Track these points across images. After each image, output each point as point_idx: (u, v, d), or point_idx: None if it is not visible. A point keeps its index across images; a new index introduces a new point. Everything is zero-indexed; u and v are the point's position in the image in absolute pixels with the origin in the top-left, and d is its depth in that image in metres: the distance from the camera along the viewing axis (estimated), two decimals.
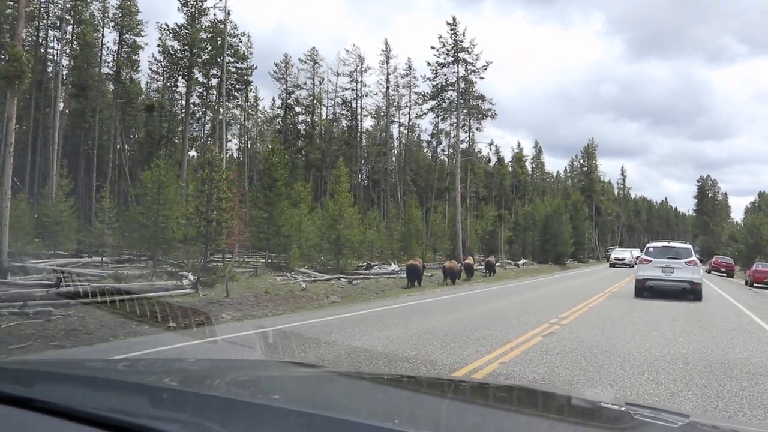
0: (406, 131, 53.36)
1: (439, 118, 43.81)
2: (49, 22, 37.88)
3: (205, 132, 41.30)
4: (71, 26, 37.80)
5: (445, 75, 41.38)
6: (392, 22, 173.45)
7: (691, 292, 16.28)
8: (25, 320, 9.62)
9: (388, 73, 50.09)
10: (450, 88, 41.10)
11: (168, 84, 42.75)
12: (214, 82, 38.13)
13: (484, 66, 40.65)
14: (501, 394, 2.07)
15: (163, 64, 41.35)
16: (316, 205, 35.58)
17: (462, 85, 41.22)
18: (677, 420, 1.59)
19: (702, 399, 5.26)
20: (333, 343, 7.73)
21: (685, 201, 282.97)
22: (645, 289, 16.87)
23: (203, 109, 40.18)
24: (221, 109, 34.29)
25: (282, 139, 50.93)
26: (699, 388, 5.65)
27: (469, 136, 43.07)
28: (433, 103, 42.63)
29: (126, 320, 10.15)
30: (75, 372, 1.90)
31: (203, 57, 35.09)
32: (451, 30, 41.14)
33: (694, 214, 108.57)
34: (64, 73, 38.28)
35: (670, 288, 16.62)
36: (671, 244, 18.47)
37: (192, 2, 36.07)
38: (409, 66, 51.38)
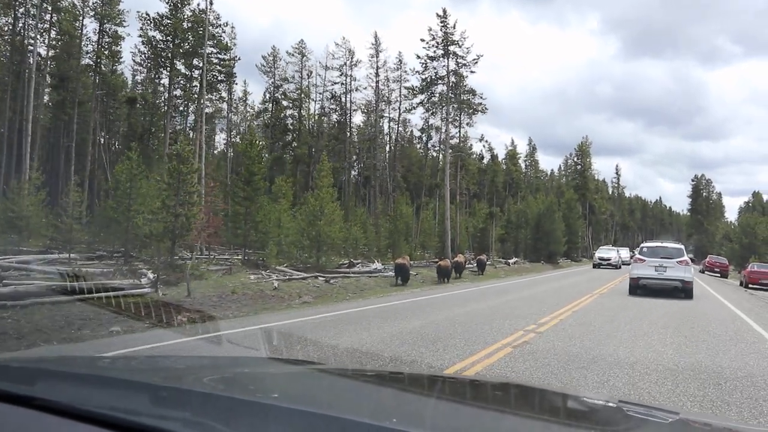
0: (397, 126, 52.23)
1: (429, 113, 42.78)
2: (26, 10, 36.60)
3: (188, 125, 40.06)
4: (49, 14, 36.59)
5: (434, 68, 40.35)
6: (390, 22, 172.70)
7: (682, 291, 16.77)
8: None
9: (377, 67, 48.96)
10: (440, 81, 40.02)
11: (151, 76, 41.46)
12: (196, 73, 36.96)
13: (474, 59, 39.60)
14: (497, 392, 2.10)
15: (146, 55, 40.10)
16: (301, 200, 34.52)
17: (452, 79, 40.18)
18: (668, 417, 1.66)
19: None
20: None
21: (679, 200, 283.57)
22: (639, 287, 17.36)
23: (186, 102, 38.92)
24: (201, 101, 33.02)
25: (269, 134, 49.83)
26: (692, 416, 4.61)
27: (459, 131, 41.99)
28: (422, 97, 41.54)
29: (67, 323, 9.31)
30: (76, 370, 1.88)
31: (184, 47, 33.83)
32: (441, 23, 40.06)
33: (689, 214, 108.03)
34: (43, 63, 37.12)
35: (663, 286, 17.04)
36: (664, 244, 18.84)
37: None
38: (400, 60, 50.29)
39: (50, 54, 38.74)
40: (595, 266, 43.16)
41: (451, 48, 39.75)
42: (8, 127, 36.15)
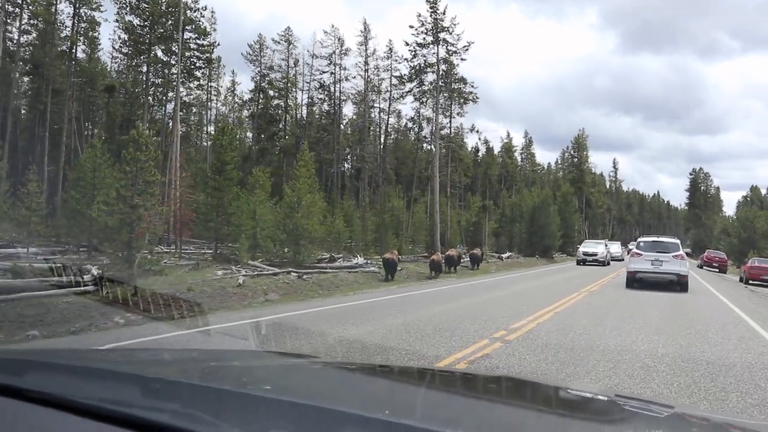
0: (387, 117, 50.63)
1: (420, 102, 41.24)
2: None
3: (166, 114, 38.38)
4: None
5: (424, 56, 38.80)
6: (385, 14, 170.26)
7: (678, 284, 17.17)
8: None
9: (367, 55, 47.34)
10: (429, 69, 38.49)
11: (131, 63, 39.82)
12: (175, 60, 35.40)
13: (465, 46, 38.06)
14: (490, 385, 2.08)
15: (125, 42, 38.47)
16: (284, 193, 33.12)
17: (442, 67, 38.65)
18: (663, 411, 1.62)
19: None
20: None
21: (677, 195, 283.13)
22: (636, 281, 17.76)
23: (164, 90, 37.31)
24: (177, 86, 31.43)
25: (255, 125, 48.35)
26: None
27: (450, 121, 40.43)
28: (411, 85, 40.00)
29: None
30: (67, 362, 1.86)
31: (159, 31, 32.22)
32: (431, 8, 38.43)
33: (686, 208, 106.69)
34: (15, 49, 35.54)
35: (659, 280, 17.36)
36: (661, 238, 19.26)
37: None
38: (390, 49, 48.49)
39: (23, 40, 37.11)
40: (579, 263, 36.01)
41: (441, 35, 38.22)
42: None
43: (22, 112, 42.64)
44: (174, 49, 34.33)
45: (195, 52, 35.36)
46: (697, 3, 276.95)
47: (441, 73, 38.63)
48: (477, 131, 71.95)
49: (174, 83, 36.21)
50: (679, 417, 1.63)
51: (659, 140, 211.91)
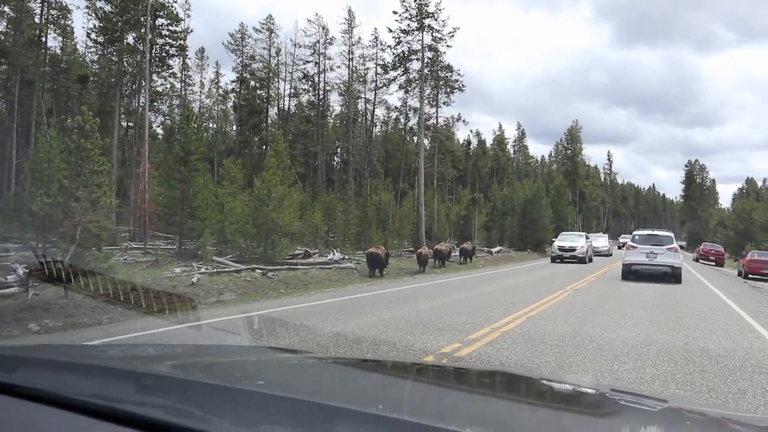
0: (373, 107, 48.99)
1: (405, 91, 39.60)
2: None
3: (140, 104, 36.68)
4: None
5: (409, 43, 37.18)
6: (383, 9, 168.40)
7: (671, 275, 17.78)
8: None
9: (351, 44, 45.68)
10: (413, 56, 36.89)
11: (104, 52, 38.07)
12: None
13: (451, 32, 36.45)
14: (484, 379, 2.07)
15: (96, 29, 36.76)
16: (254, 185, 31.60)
17: (428, 54, 37.08)
18: (657, 405, 1.63)
19: None
20: None
21: (673, 188, 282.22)
22: (631, 273, 18.35)
23: (136, 79, 35.62)
24: (147, 72, 29.76)
25: (237, 117, 46.73)
26: None
27: (436, 111, 38.79)
28: (395, 73, 38.40)
29: None
30: (58, 358, 1.83)
31: (128, 16, 30.52)
32: None
33: (682, 201, 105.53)
34: None
35: (653, 272, 17.92)
36: (655, 232, 20.18)
37: None
38: (376, 37, 46.81)
39: None
40: (553, 260, 30.29)
41: (426, 21, 36.64)
42: None
43: None
44: (150, 36, 32.69)
45: (167, 39, 33.65)
46: None
47: (427, 61, 37.08)
48: (464, 121, 70.06)
49: (147, 73, 34.61)
50: (673, 411, 1.64)
51: (655, 133, 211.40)
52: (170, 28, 33.43)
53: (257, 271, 17.92)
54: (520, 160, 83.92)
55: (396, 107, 50.78)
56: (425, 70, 37.06)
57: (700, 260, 41.16)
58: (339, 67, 46.40)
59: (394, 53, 37.57)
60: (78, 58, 41.37)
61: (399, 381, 1.82)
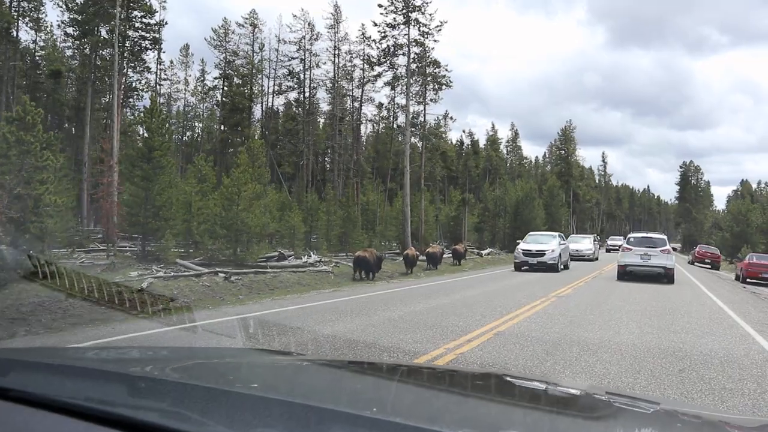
0: (359, 105, 47.57)
1: (392, 88, 38.18)
2: None
3: (116, 99, 35.18)
4: None
5: (395, 38, 35.81)
6: (370, 4, 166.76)
7: (665, 276, 18.64)
8: None
9: (337, 39, 44.28)
10: (400, 51, 35.51)
11: (77, 45, 36.56)
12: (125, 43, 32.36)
13: (438, 26, 35.09)
14: (477, 381, 2.05)
15: (67, 22, 35.30)
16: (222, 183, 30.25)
17: (415, 49, 35.72)
18: (651, 407, 1.64)
19: None
20: None
21: (667, 190, 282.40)
22: (626, 274, 19.09)
23: (108, 73, 34.13)
24: (116, 64, 28.30)
25: (219, 115, 45.30)
26: None
27: (424, 108, 37.39)
28: (380, 69, 37.00)
29: None
30: (51, 361, 1.80)
31: (98, 7, 29.03)
32: None
33: (677, 203, 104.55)
34: None
35: (647, 273, 18.70)
36: (649, 234, 20.68)
37: None
38: (363, 33, 45.37)
39: None
40: (517, 267, 24.05)
41: (413, 15, 35.27)
42: None
43: None
44: (121, 29, 31.26)
45: (140, 32, 32.19)
46: None
47: (414, 56, 35.74)
48: (452, 118, 68.39)
49: (124, 68, 33.22)
50: (666, 413, 1.63)
51: (649, 135, 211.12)
52: (144, 20, 31.92)
53: (220, 275, 16.60)
54: (513, 160, 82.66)
55: (384, 105, 49.59)
56: (412, 66, 35.71)
57: (696, 263, 39.82)
58: (325, 63, 45.05)
59: (378, 47, 36.21)
60: (54, 53, 39.98)
61: (393, 384, 1.79)
